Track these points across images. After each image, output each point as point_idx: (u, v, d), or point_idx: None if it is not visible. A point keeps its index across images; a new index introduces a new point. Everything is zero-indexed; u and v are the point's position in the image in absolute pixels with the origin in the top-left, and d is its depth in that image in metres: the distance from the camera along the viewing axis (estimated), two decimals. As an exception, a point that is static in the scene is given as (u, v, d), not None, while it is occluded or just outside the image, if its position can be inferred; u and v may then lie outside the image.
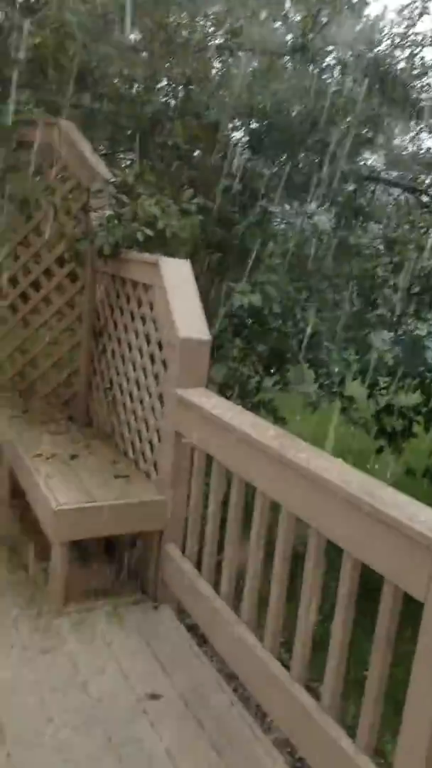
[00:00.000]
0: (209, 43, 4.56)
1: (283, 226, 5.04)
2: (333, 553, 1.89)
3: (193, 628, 2.71)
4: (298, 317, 3.68)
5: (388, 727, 1.75)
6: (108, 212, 3.23)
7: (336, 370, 3.86)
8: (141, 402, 3.13)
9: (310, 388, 4.12)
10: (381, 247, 4.44)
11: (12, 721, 2.05)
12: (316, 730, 1.80)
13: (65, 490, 2.78)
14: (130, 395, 3.26)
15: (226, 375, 3.89)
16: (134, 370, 3.21)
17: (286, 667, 2.03)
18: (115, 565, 3.11)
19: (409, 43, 5.13)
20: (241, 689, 2.52)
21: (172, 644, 2.59)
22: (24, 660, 2.38)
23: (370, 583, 1.82)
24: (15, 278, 3.96)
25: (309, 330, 3.63)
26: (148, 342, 3.03)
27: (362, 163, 5.26)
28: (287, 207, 5.08)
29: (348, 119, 4.41)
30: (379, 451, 4.17)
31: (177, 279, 2.76)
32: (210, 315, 2.81)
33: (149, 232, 3.02)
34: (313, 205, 5.06)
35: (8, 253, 3.89)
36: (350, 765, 1.67)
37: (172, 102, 4.47)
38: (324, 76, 4.71)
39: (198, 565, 2.64)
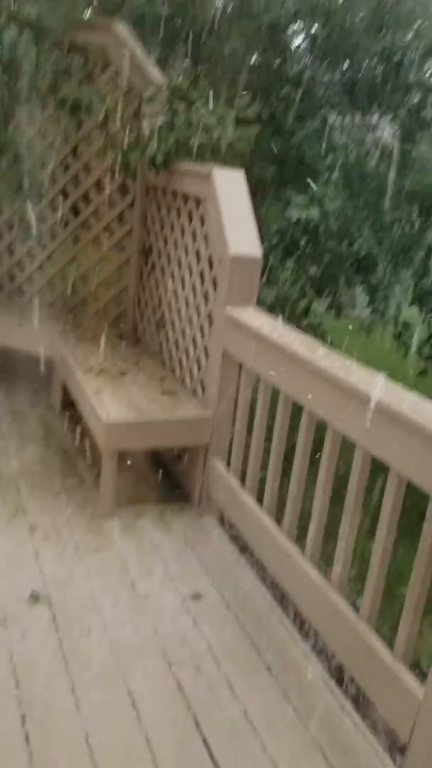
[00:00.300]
0: None
1: (343, 138, 4.80)
2: (378, 471, 1.92)
3: (234, 539, 2.81)
4: (355, 236, 3.54)
5: (426, 641, 1.83)
6: (161, 120, 3.14)
7: (392, 293, 3.74)
8: (189, 321, 3.15)
9: (362, 313, 4.04)
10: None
11: (65, 613, 2.21)
12: (355, 639, 1.87)
13: (115, 404, 2.87)
14: (179, 314, 3.28)
15: (276, 297, 3.84)
16: (183, 288, 3.21)
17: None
18: (163, 476, 3.24)
19: None
20: (281, 597, 2.66)
21: (216, 551, 2.70)
22: (77, 558, 2.54)
23: (414, 503, 1.85)
24: (65, 191, 3.93)
25: (366, 250, 3.51)
26: (198, 259, 3.02)
27: (429, 73, 4.91)
28: (348, 118, 4.83)
29: (416, 25, 4.08)
30: (422, 373, 4.08)
31: (230, 192, 2.70)
32: (262, 231, 2.73)
33: (203, 141, 2.94)
34: (375, 117, 4.80)
35: (59, 163, 3.85)
36: (387, 672, 1.74)
37: (230, 3, 4.22)
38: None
39: (242, 479, 2.71)
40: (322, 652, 2.41)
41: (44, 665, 1.98)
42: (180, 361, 3.28)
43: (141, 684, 1.96)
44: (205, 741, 1.79)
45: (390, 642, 1.81)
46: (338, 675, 2.29)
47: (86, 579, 2.41)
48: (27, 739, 1.72)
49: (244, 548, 2.78)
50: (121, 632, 2.16)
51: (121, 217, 3.84)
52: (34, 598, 2.27)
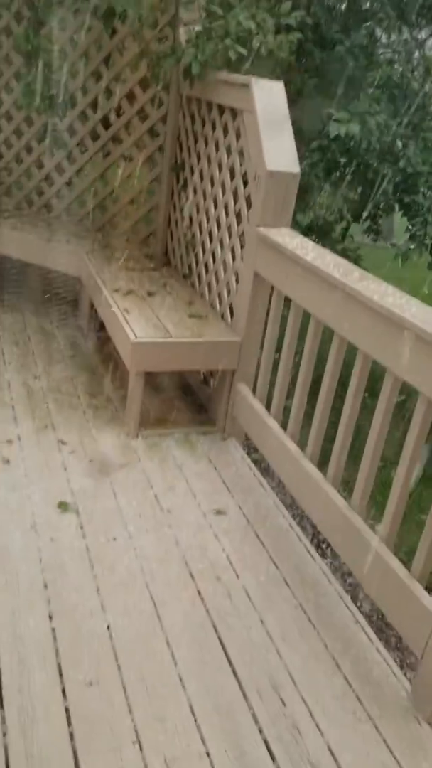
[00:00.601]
0: None
1: (389, 53, 4.54)
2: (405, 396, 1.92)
3: (257, 462, 2.87)
4: (398, 154, 3.38)
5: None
6: (198, 27, 3.00)
7: (432, 219, 3.61)
8: (221, 242, 3.10)
9: (400, 240, 3.92)
10: None
11: (91, 522, 2.30)
12: (374, 559, 1.92)
13: (142, 325, 2.88)
14: (210, 234, 3.22)
15: (312, 220, 3.73)
16: (215, 207, 3.14)
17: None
18: (188, 399, 3.28)
19: None
20: (300, 517, 2.73)
21: (238, 471, 2.76)
22: (103, 472, 2.61)
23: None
24: (96, 102, 3.82)
25: (410, 168, 3.35)
26: (233, 176, 2.94)
27: None
28: (395, 33, 4.55)
29: None
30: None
31: (269, 104, 2.60)
32: (301, 147, 2.65)
33: (242, 50, 2.80)
34: (423, 33, 4.52)
35: (90, 73, 3.73)
36: (405, 590, 1.79)
37: None
38: None
39: (267, 405, 2.73)
40: (338, 570, 2.49)
41: (71, 568, 2.08)
42: (209, 285, 3.25)
43: (163, 590, 2.05)
44: (222, 645, 1.87)
45: (407, 565, 1.86)
46: (353, 593, 2.37)
47: (112, 492, 2.49)
48: (54, 635, 1.82)
49: (266, 471, 2.86)
50: (144, 542, 2.25)
51: (153, 131, 3.74)
52: (63, 507, 2.36)
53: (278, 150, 2.54)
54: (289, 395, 2.56)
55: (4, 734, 1.54)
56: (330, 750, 1.63)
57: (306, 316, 2.39)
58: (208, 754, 1.57)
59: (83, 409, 3.08)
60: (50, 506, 2.35)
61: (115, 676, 1.72)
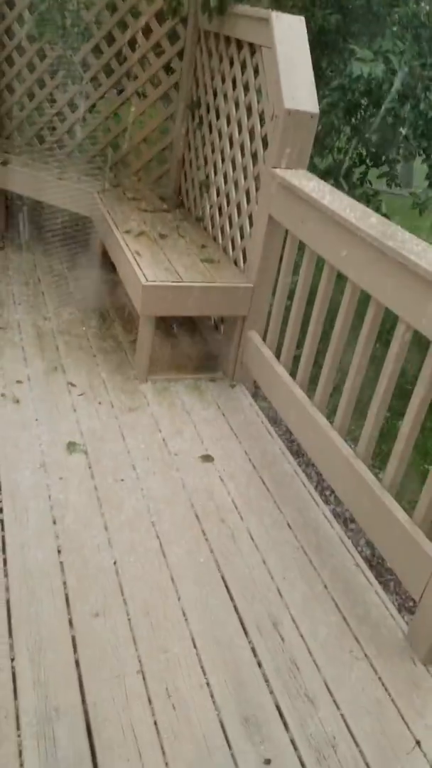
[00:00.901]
0: None
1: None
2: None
3: (265, 410, 2.88)
4: (420, 97, 3.26)
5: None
6: None
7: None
8: (235, 184, 3.03)
9: (419, 188, 3.83)
10: None
11: (99, 463, 2.33)
12: (377, 505, 1.95)
13: (153, 268, 2.84)
14: (225, 176, 3.15)
15: (330, 164, 3.63)
16: (231, 146, 3.06)
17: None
18: (198, 346, 3.28)
19: None
20: (306, 464, 2.75)
21: (246, 418, 2.78)
22: (112, 415, 2.64)
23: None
24: (110, 35, 3.69)
25: (429, 116, 3.24)
26: (249, 114, 2.85)
27: None
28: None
29: None
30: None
31: (289, 39, 2.50)
32: (321, 87, 2.63)
33: (263, -21, 2.69)
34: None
35: (105, 4, 3.58)
36: (406, 536, 1.82)
37: None
38: None
39: (277, 352, 2.73)
40: (340, 516, 2.53)
41: (80, 506, 2.12)
42: (222, 228, 3.20)
43: (169, 529, 2.09)
44: (225, 583, 1.92)
45: (410, 513, 1.89)
46: (355, 538, 2.41)
47: (120, 435, 2.52)
48: (62, 568, 1.87)
49: (273, 420, 2.87)
50: (152, 483, 2.28)
51: (168, 67, 3.63)
52: (72, 447, 2.39)
53: (297, 88, 2.46)
54: (300, 344, 2.55)
55: (13, 660, 1.59)
56: (326, 685, 1.68)
57: (319, 263, 2.35)
58: (208, 684, 1.62)
59: (93, 352, 3.08)
60: (59, 447, 2.38)
61: (120, 608, 1.78)
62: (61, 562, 1.89)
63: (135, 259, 2.91)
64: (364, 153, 3.78)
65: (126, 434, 2.53)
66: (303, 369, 2.50)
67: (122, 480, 2.27)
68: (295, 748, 1.52)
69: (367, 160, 3.86)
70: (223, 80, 3.11)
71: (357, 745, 1.56)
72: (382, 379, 1.98)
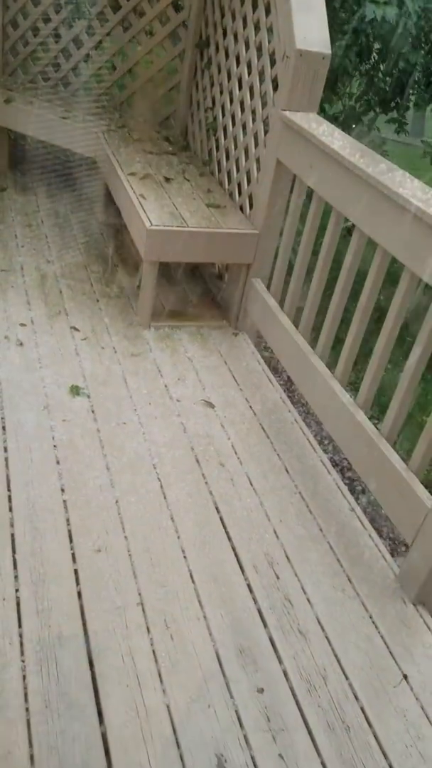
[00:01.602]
0: None
1: None
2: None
3: (267, 360, 2.89)
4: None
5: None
6: None
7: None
8: (243, 127, 2.97)
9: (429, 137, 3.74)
10: None
11: (102, 406, 2.35)
12: (374, 452, 1.98)
13: (158, 212, 2.80)
14: (233, 118, 3.08)
15: (340, 110, 3.53)
16: (240, 88, 2.98)
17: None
18: (202, 293, 3.25)
19: None
20: (305, 414, 2.78)
21: (248, 366, 2.79)
22: (114, 360, 2.65)
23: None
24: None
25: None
26: (260, 55, 2.76)
27: None
28: None
29: None
30: None
31: (303, -26, 2.39)
32: (333, 28, 2.54)
33: None
34: None
35: None
36: (402, 482, 1.87)
37: None
38: None
39: (281, 301, 2.72)
40: (338, 464, 2.57)
41: (82, 447, 2.15)
42: (229, 173, 3.14)
43: (169, 471, 2.13)
44: (223, 524, 1.96)
45: (406, 461, 1.92)
46: (351, 486, 2.46)
47: (123, 380, 2.53)
48: (65, 506, 1.91)
49: (275, 369, 2.93)
50: (153, 428, 2.31)
51: (177, 4, 3.50)
52: (75, 390, 2.41)
53: (309, 28, 2.37)
54: (304, 293, 2.53)
55: (17, 590, 1.64)
56: (318, 621, 1.74)
57: (327, 210, 2.32)
58: (204, 617, 1.67)
59: (96, 297, 3.06)
60: (62, 389, 2.39)
61: (121, 545, 1.82)
62: (64, 501, 1.93)
63: (140, 203, 2.87)
64: (375, 99, 3.67)
65: (128, 379, 2.53)
66: (306, 318, 2.49)
67: (124, 423, 2.29)
68: (287, 679, 1.58)
69: (377, 108, 3.75)
70: (234, 18, 3.01)
71: (347, 677, 1.62)
72: (385, 329, 1.98)
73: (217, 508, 2.02)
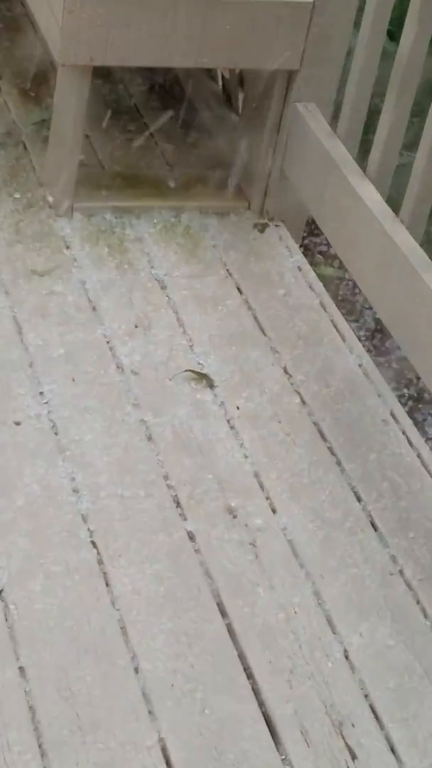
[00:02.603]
0: None
1: None
2: None
3: (327, 282, 3.01)
4: None
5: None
6: None
7: None
8: None
9: None
10: None
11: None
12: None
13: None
14: None
15: None
16: None
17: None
18: (186, 139, 3.31)
19: None
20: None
21: (288, 297, 2.82)
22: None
23: None
24: None
25: None
26: None
27: None
28: None
29: None
30: None
31: None
32: None
33: None
34: None
35: None
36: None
37: None
38: None
39: (361, 157, 2.80)
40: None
41: None
42: None
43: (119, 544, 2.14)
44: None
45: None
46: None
47: (14, 329, 2.57)
48: None
49: (348, 306, 3.15)
50: (85, 435, 2.37)
51: None
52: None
53: None
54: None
55: None
56: None
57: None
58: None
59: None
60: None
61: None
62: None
63: None
64: None
65: (25, 329, 2.56)
66: (417, 191, 2.52)
67: (17, 425, 2.35)
68: None
69: None
70: None
71: None
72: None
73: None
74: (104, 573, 2.08)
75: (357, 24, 2.85)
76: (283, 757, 1.84)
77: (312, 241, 3.09)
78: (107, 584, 2.06)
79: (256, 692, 1.94)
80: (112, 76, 3.29)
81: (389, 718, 1.97)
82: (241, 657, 1.98)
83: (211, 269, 2.83)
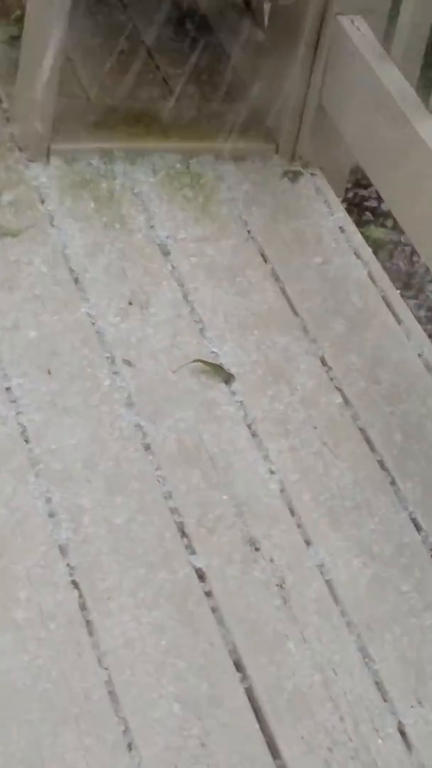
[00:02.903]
0: None
1: None
2: None
3: (375, 245, 3.18)
4: None
5: None
6: None
7: None
8: None
9: None
10: None
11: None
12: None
13: None
14: None
15: None
16: None
17: None
18: (195, 65, 3.30)
19: None
20: None
21: (325, 265, 2.84)
22: None
23: None
24: None
25: None
26: None
27: None
28: None
29: None
30: None
31: None
32: None
33: None
34: None
35: None
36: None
37: None
38: None
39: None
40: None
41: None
42: None
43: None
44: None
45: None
46: None
47: None
48: None
49: (398, 274, 3.28)
50: (65, 440, 2.36)
51: None
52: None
53: None
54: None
55: None
56: None
57: None
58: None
59: None
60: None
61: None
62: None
63: None
64: None
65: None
66: None
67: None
68: None
69: None
70: None
71: None
72: None
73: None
74: (88, 621, 2.01)
75: None
76: None
77: (358, 194, 3.16)
78: (91, 635, 2.00)
79: (285, 777, 1.80)
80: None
81: None
82: (265, 731, 1.91)
83: (227, 230, 2.85)
